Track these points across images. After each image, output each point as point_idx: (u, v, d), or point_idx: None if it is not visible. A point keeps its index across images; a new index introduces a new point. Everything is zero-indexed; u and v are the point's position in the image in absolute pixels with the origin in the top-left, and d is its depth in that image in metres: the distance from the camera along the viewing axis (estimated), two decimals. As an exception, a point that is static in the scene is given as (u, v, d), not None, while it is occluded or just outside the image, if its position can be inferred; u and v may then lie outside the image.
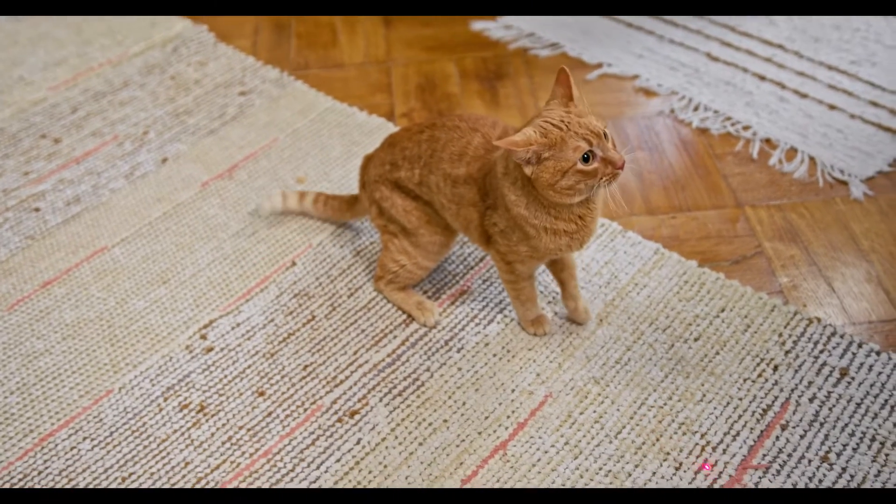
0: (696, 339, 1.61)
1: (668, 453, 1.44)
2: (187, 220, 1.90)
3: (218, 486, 1.43)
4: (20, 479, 1.46)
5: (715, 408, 1.50)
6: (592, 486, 1.40)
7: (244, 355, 1.63)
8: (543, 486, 1.40)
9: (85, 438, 1.51)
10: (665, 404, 1.51)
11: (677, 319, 1.64)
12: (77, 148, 2.10)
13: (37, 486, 1.44)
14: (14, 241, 1.88)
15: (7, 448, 1.50)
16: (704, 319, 1.64)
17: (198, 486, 1.43)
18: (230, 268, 1.79)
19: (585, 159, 1.30)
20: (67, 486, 1.44)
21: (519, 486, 1.40)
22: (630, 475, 1.41)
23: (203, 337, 1.66)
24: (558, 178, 1.31)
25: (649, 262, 1.75)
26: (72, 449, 1.50)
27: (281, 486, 1.42)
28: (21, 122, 2.16)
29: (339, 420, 1.51)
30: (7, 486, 1.44)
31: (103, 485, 1.44)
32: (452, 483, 1.41)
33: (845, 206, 1.87)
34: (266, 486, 1.43)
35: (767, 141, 2.04)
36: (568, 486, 1.40)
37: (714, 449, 1.44)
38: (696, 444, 1.45)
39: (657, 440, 1.46)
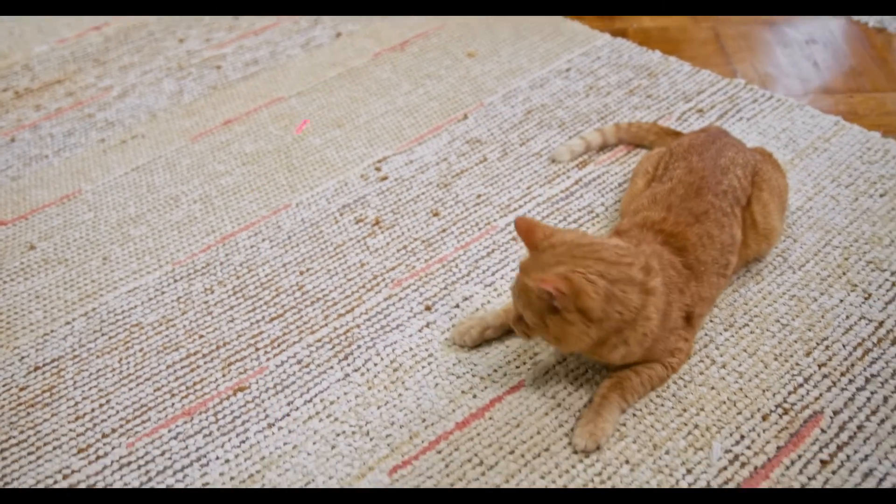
0: (882, 195, 1.55)
1: (856, 285, 1.38)
2: (361, 80, 1.95)
3: (390, 284, 1.44)
4: (203, 267, 1.50)
5: (906, 251, 1.43)
6: (776, 306, 1.36)
7: (418, 184, 1.65)
8: (726, 310, 1.36)
9: (264, 239, 1.55)
10: (851, 245, 1.45)
11: (861, 178, 1.59)
12: (256, 23, 2.19)
13: (217, 274, 1.48)
14: (197, 89, 1.97)
15: (191, 242, 1.56)
16: (891, 179, 1.58)
17: (371, 282, 1.44)
18: (403, 118, 1.83)
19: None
20: (247, 276, 1.48)
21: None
22: (816, 300, 1.36)
23: (377, 168, 1.69)
24: None
25: (829, 130, 1.70)
26: (252, 247, 1.54)
27: (456, 287, 1.43)
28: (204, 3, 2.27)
29: (514, 239, 1.51)
30: (188, 272, 1.49)
31: (282, 276, 1.47)
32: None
33: None
34: (440, 286, 1.43)
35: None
36: (751, 304, 1.36)
37: (907, 284, 1.38)
38: (887, 279, 1.39)
39: (843, 274, 1.40)
